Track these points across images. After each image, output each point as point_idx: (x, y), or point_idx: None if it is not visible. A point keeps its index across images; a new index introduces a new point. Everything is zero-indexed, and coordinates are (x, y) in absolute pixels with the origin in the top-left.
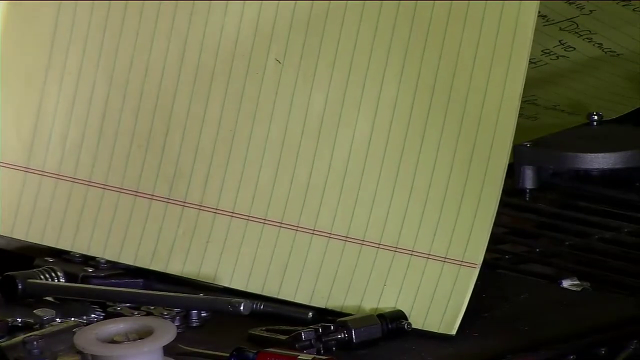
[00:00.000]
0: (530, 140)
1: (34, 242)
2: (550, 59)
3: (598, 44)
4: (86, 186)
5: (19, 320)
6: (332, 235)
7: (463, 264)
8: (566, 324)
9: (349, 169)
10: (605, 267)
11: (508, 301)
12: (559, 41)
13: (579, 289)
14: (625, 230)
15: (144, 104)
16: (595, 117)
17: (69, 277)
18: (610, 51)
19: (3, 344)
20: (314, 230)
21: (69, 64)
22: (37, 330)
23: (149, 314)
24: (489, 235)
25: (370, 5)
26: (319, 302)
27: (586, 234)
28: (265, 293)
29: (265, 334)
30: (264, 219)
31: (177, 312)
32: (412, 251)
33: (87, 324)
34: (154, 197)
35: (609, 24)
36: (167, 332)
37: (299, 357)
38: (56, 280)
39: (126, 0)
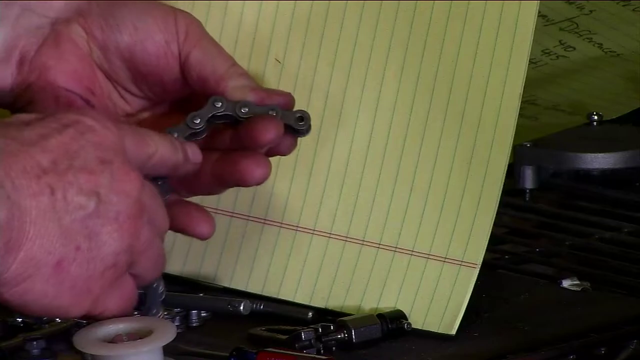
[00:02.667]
0: (530, 140)
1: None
2: (550, 59)
3: (598, 44)
4: None
5: (19, 320)
6: (332, 235)
7: (463, 264)
8: (566, 324)
9: (349, 169)
10: (605, 267)
11: (508, 301)
12: (559, 41)
13: (579, 289)
14: (625, 230)
15: None
16: (595, 117)
17: None
18: (610, 51)
19: (3, 344)
20: (314, 230)
21: None
22: (37, 330)
23: None
24: (489, 235)
25: (370, 5)
26: (319, 302)
27: (586, 234)
28: (265, 293)
29: (265, 334)
30: (264, 219)
31: (177, 312)
32: (412, 251)
33: (87, 324)
34: None
35: (609, 24)
36: (167, 332)
37: (299, 356)
38: None
39: None
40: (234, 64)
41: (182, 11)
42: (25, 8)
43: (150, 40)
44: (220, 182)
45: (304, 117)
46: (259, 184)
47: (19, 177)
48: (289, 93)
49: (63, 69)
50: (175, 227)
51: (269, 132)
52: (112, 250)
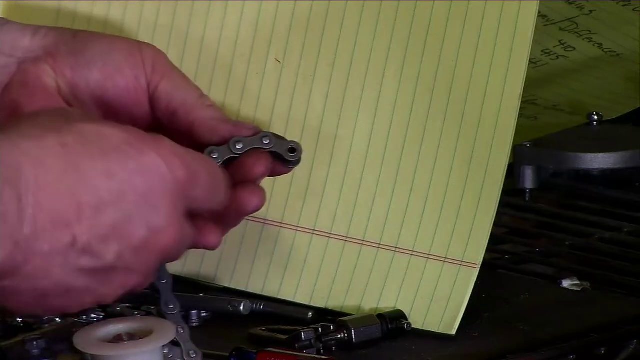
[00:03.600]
0: (530, 140)
1: None
2: (550, 59)
3: (598, 44)
4: None
5: (19, 320)
6: (332, 235)
7: (463, 264)
8: (566, 324)
9: (349, 169)
10: (605, 267)
11: (508, 301)
12: (559, 41)
13: (579, 289)
14: (625, 230)
15: None
16: (595, 117)
17: None
18: (610, 51)
19: (3, 344)
20: (314, 230)
21: None
22: (37, 330)
23: (149, 314)
24: (489, 235)
25: (370, 5)
26: (319, 302)
27: (586, 234)
28: (265, 293)
29: (265, 334)
30: (264, 219)
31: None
32: (412, 251)
33: (87, 324)
34: None
35: (609, 24)
36: (167, 332)
37: (299, 356)
38: None
39: (126, 0)
40: (202, 95)
41: (146, 43)
42: None
43: (120, 75)
44: (218, 218)
45: (295, 149)
46: (255, 212)
47: (46, 222)
48: (255, 126)
49: (32, 106)
50: None
51: (259, 167)
52: (104, 295)
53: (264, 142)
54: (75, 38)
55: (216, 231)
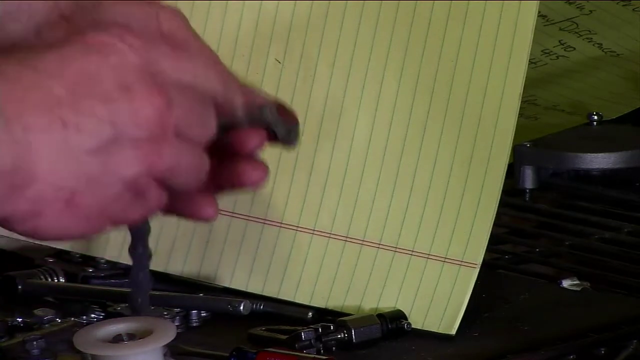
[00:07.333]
0: (530, 140)
1: (35, 242)
2: (550, 59)
3: (598, 44)
4: None
5: (19, 320)
6: (332, 235)
7: (463, 264)
8: (566, 324)
9: (349, 169)
10: (605, 267)
11: (508, 301)
12: (559, 41)
13: (579, 289)
14: (625, 230)
15: None
16: (595, 117)
17: (69, 277)
18: (610, 51)
19: (3, 344)
20: (314, 230)
21: None
22: (37, 330)
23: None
24: (489, 235)
25: (370, 5)
26: (319, 302)
27: (586, 234)
28: (265, 293)
29: (265, 334)
30: (264, 219)
31: (177, 312)
32: (412, 251)
33: (87, 324)
34: None
35: (609, 24)
36: (167, 332)
37: (299, 356)
38: (56, 280)
39: None
40: None
41: (165, 8)
42: (6, 13)
43: None
44: (216, 186)
45: (291, 130)
46: (256, 186)
47: (31, 114)
48: (265, 101)
49: None
50: (179, 213)
51: (252, 141)
52: (128, 175)
53: (264, 114)
54: (94, 6)
55: (212, 202)
